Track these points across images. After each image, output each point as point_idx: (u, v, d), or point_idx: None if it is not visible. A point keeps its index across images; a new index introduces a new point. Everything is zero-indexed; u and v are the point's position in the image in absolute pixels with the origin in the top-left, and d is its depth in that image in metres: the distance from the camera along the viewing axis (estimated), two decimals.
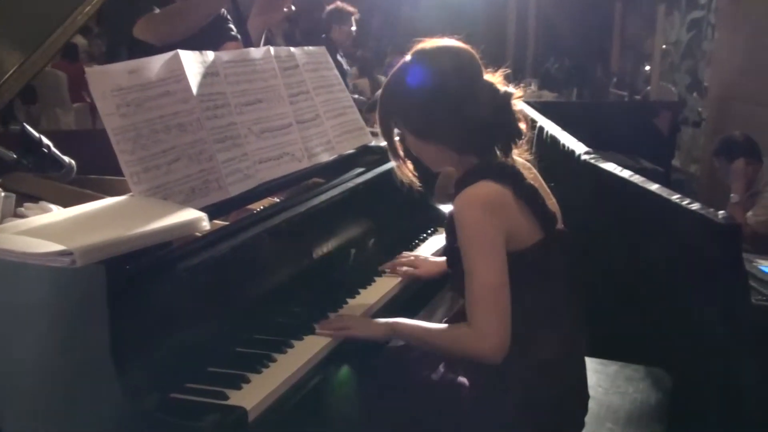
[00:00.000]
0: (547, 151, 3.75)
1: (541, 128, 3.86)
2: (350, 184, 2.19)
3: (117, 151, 1.59)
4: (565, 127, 4.06)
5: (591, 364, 2.25)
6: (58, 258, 1.24)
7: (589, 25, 7.87)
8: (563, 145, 3.38)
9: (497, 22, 8.88)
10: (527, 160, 1.83)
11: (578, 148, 3.23)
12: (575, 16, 7.94)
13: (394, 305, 2.02)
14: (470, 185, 1.67)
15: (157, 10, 2.58)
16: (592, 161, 3.00)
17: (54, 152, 1.67)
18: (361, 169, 2.33)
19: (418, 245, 2.38)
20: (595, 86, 7.02)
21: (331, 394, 1.71)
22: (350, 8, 5.58)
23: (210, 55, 1.91)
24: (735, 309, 2.20)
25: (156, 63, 1.72)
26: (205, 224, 1.53)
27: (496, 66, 1.77)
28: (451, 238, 1.75)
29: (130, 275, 1.38)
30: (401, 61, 1.77)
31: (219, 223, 1.82)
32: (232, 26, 2.85)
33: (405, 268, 2.13)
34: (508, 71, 1.77)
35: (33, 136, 1.60)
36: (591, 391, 1.94)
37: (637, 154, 4.57)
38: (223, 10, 2.83)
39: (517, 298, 1.68)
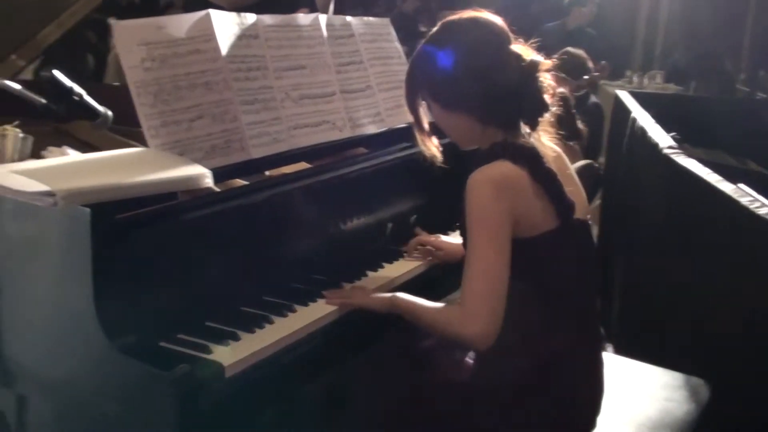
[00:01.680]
0: (636, 142, 3.60)
1: (634, 119, 3.70)
2: (389, 157, 2.16)
3: (137, 104, 1.63)
4: (673, 120, 3.88)
5: (630, 365, 2.15)
6: (42, 197, 1.29)
7: (721, 19, 7.43)
8: (650, 138, 3.22)
9: (629, 13, 8.55)
10: (558, 143, 1.76)
11: (663, 141, 3.07)
12: (707, 9, 7.52)
13: (416, 284, 1.99)
14: (486, 165, 1.62)
15: None
16: (672, 155, 2.85)
17: (87, 101, 1.73)
18: (407, 144, 2.29)
19: (457, 230, 2.32)
20: (721, 81, 6.64)
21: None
22: None
23: (250, 17, 1.93)
24: None
25: (187, 21, 1.76)
26: (208, 181, 1.55)
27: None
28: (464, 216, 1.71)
29: (121, 222, 1.41)
30: (429, 33, 1.74)
31: (240, 182, 1.85)
32: None
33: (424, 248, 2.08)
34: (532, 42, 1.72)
35: (63, 84, 1.66)
36: (621, 393, 1.85)
37: (746, 156, 4.29)
38: None
39: (523, 286, 1.62)
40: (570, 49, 5.26)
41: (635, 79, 7.04)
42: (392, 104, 2.33)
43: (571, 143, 4.38)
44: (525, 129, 1.70)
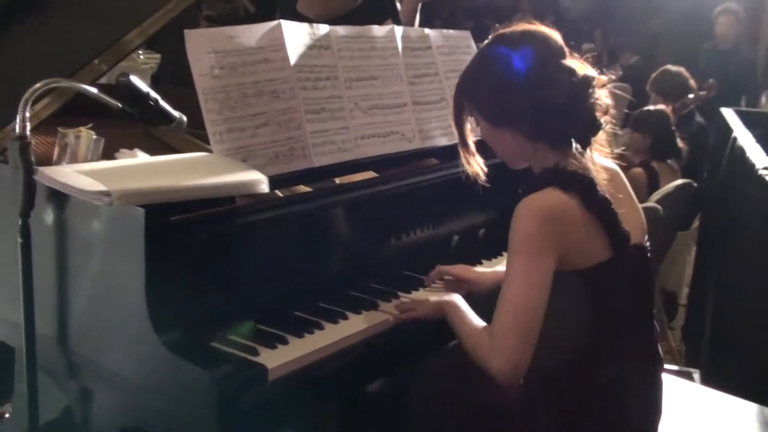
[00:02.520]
0: (735, 162, 3.44)
1: (735, 138, 3.54)
2: (457, 170, 2.15)
3: (204, 110, 1.69)
4: None
5: (706, 393, 2.07)
6: (100, 197, 1.36)
7: None
8: (747, 158, 3.07)
9: (752, 31, 8.18)
10: (616, 161, 1.71)
11: (760, 161, 2.92)
12: None
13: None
14: (536, 191, 1.56)
15: None
16: (766, 177, 2.71)
17: (162, 106, 1.79)
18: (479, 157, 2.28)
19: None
20: None
21: None
22: None
23: (323, 28, 1.97)
24: None
25: (258, 31, 1.81)
26: (264, 186, 1.59)
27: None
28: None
29: (175, 223, 1.47)
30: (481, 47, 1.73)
31: (305, 188, 1.89)
32: (396, 2, 2.90)
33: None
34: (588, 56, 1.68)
35: (139, 89, 1.74)
36: (692, 422, 1.78)
37: None
38: None
39: (574, 317, 1.58)
40: (669, 67, 5.09)
41: (764, 99, 6.72)
42: None
43: (669, 161, 4.24)
44: (578, 147, 1.63)
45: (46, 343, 1.63)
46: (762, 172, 2.79)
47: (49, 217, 1.56)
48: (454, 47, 2.38)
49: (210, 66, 1.71)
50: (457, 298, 1.73)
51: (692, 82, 5.05)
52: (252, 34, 1.79)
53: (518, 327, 1.50)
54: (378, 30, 2.12)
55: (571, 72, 1.60)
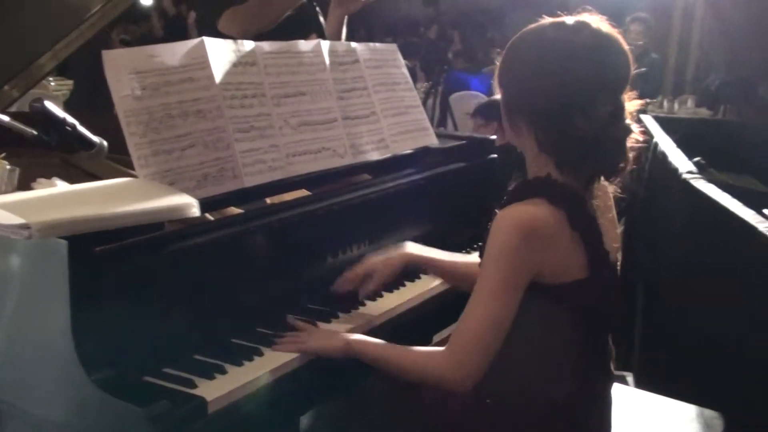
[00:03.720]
0: (657, 168, 3.52)
1: (656, 144, 3.62)
2: (391, 184, 2.12)
3: (126, 133, 1.61)
4: (701, 146, 3.79)
5: (644, 398, 2.08)
6: (18, 230, 1.27)
7: (756, 44, 7.29)
8: (670, 162, 3.14)
9: (661, 37, 8.44)
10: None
11: (682, 166, 2.99)
12: (741, 34, 7.39)
13: (421, 312, 1.94)
14: (522, 200, 1.50)
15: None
16: (691, 180, 2.77)
17: (80, 131, 1.71)
18: (412, 170, 2.26)
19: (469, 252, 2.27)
20: (754, 106, 6.49)
21: None
22: None
23: (248, 44, 1.91)
24: None
25: (180, 49, 1.74)
26: (195, 210, 1.52)
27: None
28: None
29: (101, 254, 1.38)
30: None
31: (236, 210, 1.83)
32: (320, 17, 2.87)
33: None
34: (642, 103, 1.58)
35: (55, 115, 1.65)
36: (632, 427, 1.80)
37: None
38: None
39: (540, 334, 1.55)
40: None
41: (666, 103, 6.92)
42: (398, 130, 2.30)
43: None
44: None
45: None
46: (685, 176, 2.84)
47: None
48: (382, 60, 2.35)
49: (131, 87, 1.64)
50: (356, 335, 1.65)
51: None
52: (174, 52, 1.72)
53: (483, 341, 1.46)
54: (304, 45, 2.07)
55: (618, 113, 1.49)
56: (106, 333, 1.40)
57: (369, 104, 2.23)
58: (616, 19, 1.61)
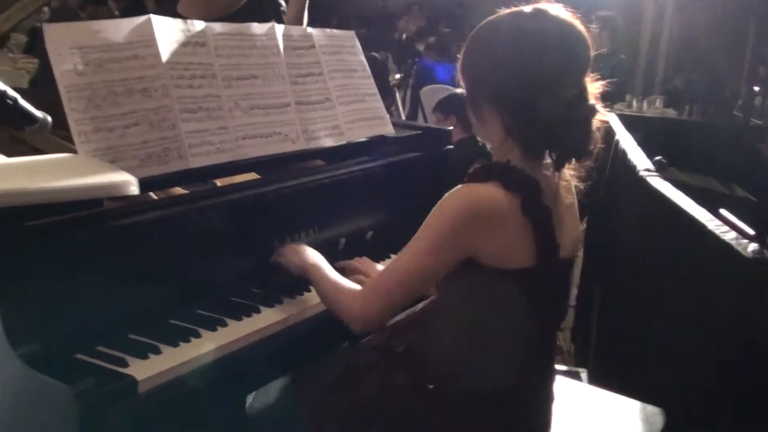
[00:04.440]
0: (617, 166, 3.54)
1: (617, 142, 3.64)
2: (342, 171, 2.11)
3: (67, 109, 1.58)
4: (664, 145, 3.81)
5: (591, 393, 2.08)
6: None
7: (721, 45, 7.40)
8: (629, 160, 3.16)
9: (631, 38, 8.51)
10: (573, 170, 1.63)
11: (640, 164, 3.00)
12: (708, 35, 7.50)
13: None
14: (478, 181, 1.51)
15: None
16: (647, 178, 2.78)
17: (22, 105, 1.67)
18: (366, 158, 2.25)
19: None
20: (718, 107, 6.57)
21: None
22: None
23: (198, 24, 1.89)
24: (754, 356, 1.96)
25: (126, 25, 1.71)
26: (134, 189, 1.50)
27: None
28: None
29: (31, 229, 1.36)
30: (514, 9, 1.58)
31: (180, 191, 1.81)
32: (282, 2, 2.84)
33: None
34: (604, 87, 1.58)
35: None
36: (577, 421, 1.81)
37: (735, 182, 4.22)
38: None
39: (482, 315, 1.56)
40: None
41: (635, 103, 6.98)
42: (353, 117, 2.28)
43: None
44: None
45: None
46: (642, 173, 2.86)
47: None
48: (339, 47, 2.34)
49: (73, 62, 1.61)
50: (320, 259, 1.78)
51: None
52: (120, 28, 1.70)
53: (390, 291, 1.55)
54: (258, 27, 2.05)
55: (582, 94, 1.51)
56: (35, 308, 1.38)
57: (324, 90, 2.22)
58: (586, 15, 1.63)
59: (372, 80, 2.42)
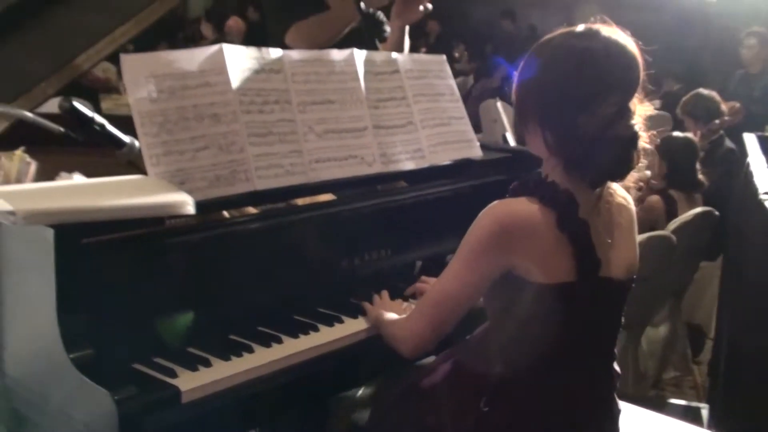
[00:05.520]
0: (745, 188, 3.32)
1: (748, 164, 3.42)
2: (418, 193, 2.12)
3: (140, 133, 1.69)
4: None
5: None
6: (6, 216, 1.37)
7: None
8: (753, 183, 2.96)
9: None
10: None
11: (763, 186, 2.81)
12: None
13: None
14: (514, 196, 1.55)
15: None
16: (765, 202, 2.60)
17: (109, 130, 1.82)
18: (447, 181, 2.24)
19: None
20: None
21: None
22: None
23: (274, 52, 1.97)
24: None
25: (199, 55, 1.81)
26: (189, 209, 1.58)
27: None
28: None
29: (88, 245, 1.47)
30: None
31: (252, 210, 1.89)
32: (386, 28, 2.90)
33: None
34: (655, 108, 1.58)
35: (83, 114, 1.77)
36: None
37: None
38: (379, 13, 2.91)
39: (524, 331, 1.55)
40: (701, 90, 4.97)
41: None
42: (437, 140, 2.29)
43: (696, 194, 4.11)
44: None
45: None
46: (762, 197, 2.67)
47: None
48: (425, 71, 2.36)
49: (148, 90, 1.72)
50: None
51: (724, 107, 4.92)
52: (193, 58, 1.80)
53: (434, 316, 1.58)
54: (337, 54, 2.11)
55: (623, 114, 1.50)
56: (92, 318, 1.47)
57: (407, 114, 2.24)
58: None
59: (461, 104, 2.42)
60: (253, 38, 2.69)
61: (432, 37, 12.12)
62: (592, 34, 1.53)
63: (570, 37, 1.55)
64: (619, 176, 1.56)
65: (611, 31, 1.54)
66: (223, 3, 9.72)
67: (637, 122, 1.52)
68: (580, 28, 1.56)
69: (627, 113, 1.51)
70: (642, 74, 1.53)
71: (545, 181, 1.55)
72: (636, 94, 1.53)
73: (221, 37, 7.10)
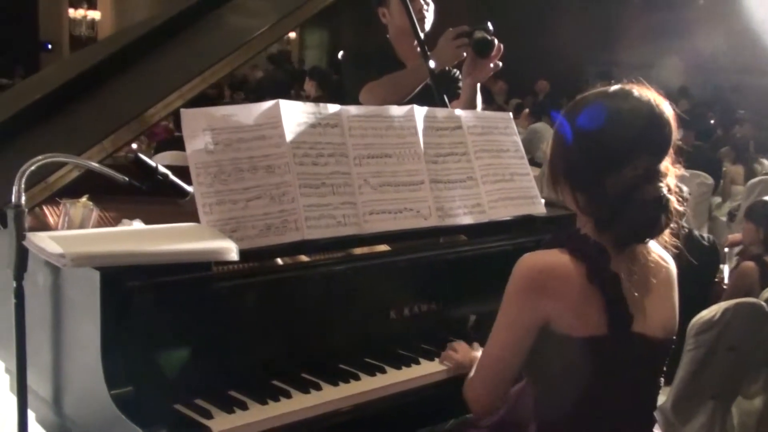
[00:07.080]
0: None
1: None
2: (472, 247, 2.13)
3: (195, 183, 1.78)
4: None
5: None
6: (58, 258, 1.47)
7: None
8: None
9: None
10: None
11: None
12: None
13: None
14: (545, 248, 1.56)
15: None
16: None
17: (172, 180, 1.92)
18: (505, 236, 2.24)
19: None
20: None
21: None
22: None
23: (331, 108, 2.03)
24: None
25: (256, 110, 1.89)
26: (233, 255, 1.64)
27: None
28: None
29: (132, 288, 1.54)
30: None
31: (304, 259, 1.94)
32: (460, 85, 2.94)
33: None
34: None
35: (147, 164, 1.88)
36: None
37: None
38: (455, 71, 2.96)
39: (561, 382, 1.55)
40: None
41: None
42: (498, 196, 2.29)
43: None
44: None
45: (42, 403, 1.75)
46: None
47: (37, 278, 1.68)
48: (490, 128, 2.37)
49: (205, 142, 1.81)
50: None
51: None
52: (250, 112, 1.89)
53: (489, 377, 1.60)
54: (396, 110, 2.16)
55: (650, 176, 1.50)
56: (136, 358, 1.55)
57: (467, 169, 2.25)
58: None
59: (525, 160, 2.41)
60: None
61: (541, 96, 12.10)
62: (624, 95, 1.54)
63: (601, 97, 1.56)
64: (647, 238, 1.55)
65: (644, 92, 1.53)
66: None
67: (669, 184, 1.51)
68: (614, 88, 1.57)
69: (655, 175, 1.50)
70: (675, 136, 1.51)
71: (577, 233, 1.55)
72: (668, 156, 1.51)
73: (324, 95, 7.31)
